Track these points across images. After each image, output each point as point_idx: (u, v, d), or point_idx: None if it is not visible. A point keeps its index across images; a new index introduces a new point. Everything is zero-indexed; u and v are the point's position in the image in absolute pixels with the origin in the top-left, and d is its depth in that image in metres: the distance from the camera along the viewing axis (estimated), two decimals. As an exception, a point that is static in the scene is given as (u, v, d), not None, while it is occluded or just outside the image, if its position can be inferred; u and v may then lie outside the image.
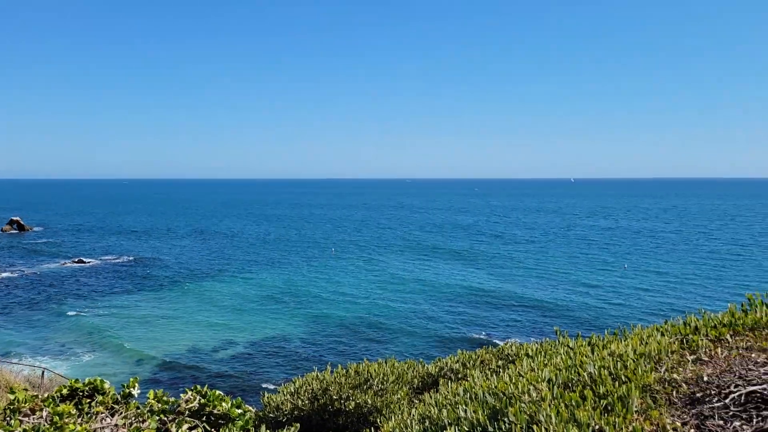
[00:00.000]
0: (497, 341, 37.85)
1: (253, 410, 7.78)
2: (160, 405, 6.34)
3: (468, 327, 48.58)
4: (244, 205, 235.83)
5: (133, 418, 5.98)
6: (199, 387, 6.77)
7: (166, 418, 6.17)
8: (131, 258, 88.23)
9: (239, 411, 6.64)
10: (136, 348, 44.04)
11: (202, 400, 6.48)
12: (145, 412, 6.20)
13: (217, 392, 6.73)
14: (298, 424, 6.13)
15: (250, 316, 52.68)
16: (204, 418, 6.42)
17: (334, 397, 7.51)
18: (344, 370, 8.14)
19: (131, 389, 6.62)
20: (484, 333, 46.50)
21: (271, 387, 31.51)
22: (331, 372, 8.21)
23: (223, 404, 6.56)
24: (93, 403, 6.06)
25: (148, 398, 6.47)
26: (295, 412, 7.57)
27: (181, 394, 6.62)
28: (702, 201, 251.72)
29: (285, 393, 7.94)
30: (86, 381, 6.39)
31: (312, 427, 7.44)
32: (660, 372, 4.49)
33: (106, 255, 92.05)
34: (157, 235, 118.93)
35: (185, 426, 6.05)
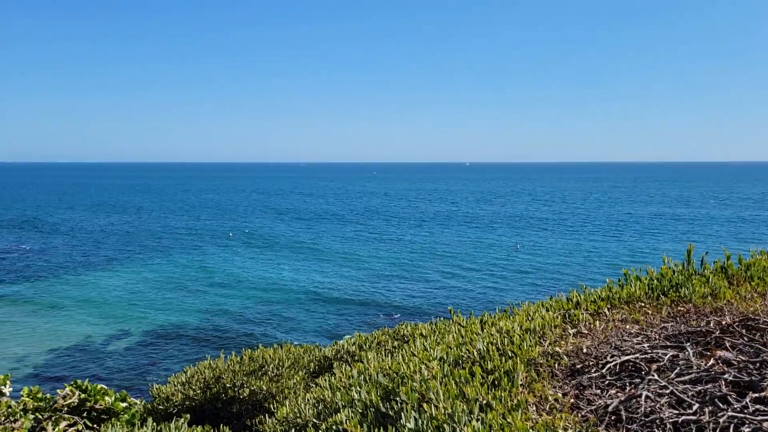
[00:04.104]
0: (395, 323, 38.59)
1: (141, 403, 7.42)
2: (35, 402, 5.90)
3: (366, 310, 49.10)
4: (120, 191, 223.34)
5: (4, 418, 5.53)
6: (79, 382, 6.37)
7: (41, 416, 5.75)
8: (13, 247, 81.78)
9: (124, 405, 6.31)
10: (17, 343, 41.00)
11: (82, 395, 6.10)
12: (18, 410, 5.75)
13: (99, 386, 6.36)
14: (188, 415, 5.90)
15: (142, 307, 50.42)
16: (84, 414, 6.05)
17: (228, 385, 7.31)
18: (238, 357, 7.95)
19: (2, 387, 6.12)
20: (382, 315, 47.17)
21: (165, 378, 30.39)
22: (225, 359, 7.98)
23: (106, 398, 6.21)
24: (-46, 405, 5.54)
25: (22, 396, 6.02)
26: (187, 403, 7.31)
27: (59, 390, 6.20)
28: (582, 184, 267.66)
29: (176, 383, 7.64)
30: (-53, 381, 5.83)
31: (205, 416, 7.21)
32: (544, 346, 4.68)
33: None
34: (47, 223, 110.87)
35: (63, 423, 5.67)
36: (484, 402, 3.99)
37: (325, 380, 6.03)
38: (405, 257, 72.47)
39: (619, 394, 3.75)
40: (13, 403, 6.06)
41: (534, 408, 3.82)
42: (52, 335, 42.74)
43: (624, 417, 3.48)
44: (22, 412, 5.73)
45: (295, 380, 7.47)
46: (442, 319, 8.37)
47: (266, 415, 6.44)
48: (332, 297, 52.79)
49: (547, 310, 5.71)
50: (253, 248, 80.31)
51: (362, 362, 6.38)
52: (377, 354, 7.24)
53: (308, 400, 5.69)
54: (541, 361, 4.42)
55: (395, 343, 7.84)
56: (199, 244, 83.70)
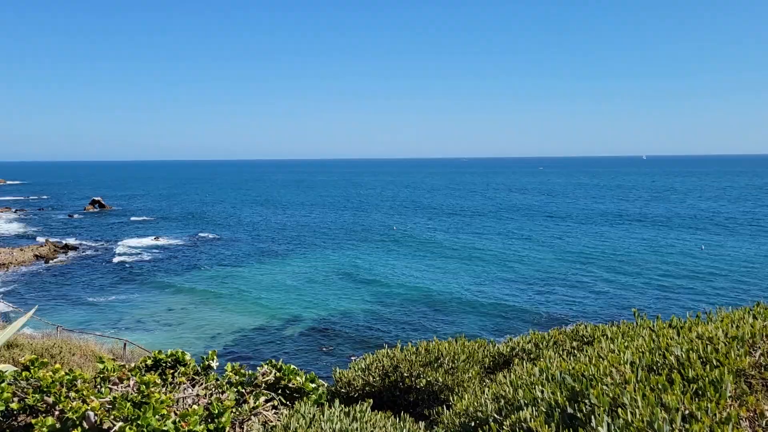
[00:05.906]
0: (567, 322, 37.29)
1: (325, 385, 7.91)
2: (237, 377, 6.53)
3: (536, 307, 47.93)
4: (298, 187, 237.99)
5: (213, 389, 6.18)
6: (274, 361, 6.93)
7: (244, 390, 6.35)
8: (204, 237, 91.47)
9: (313, 385, 6.77)
10: (208, 323, 45.77)
11: (278, 374, 6.63)
12: (224, 383, 6.39)
13: (292, 366, 6.87)
14: (371, 400, 6.18)
15: (316, 294, 53.73)
16: (279, 391, 6.57)
17: (405, 374, 7.53)
18: (414, 348, 8.14)
19: (210, 362, 6.83)
20: (552, 313, 45.78)
21: (340, 363, 31.98)
22: (402, 349, 8.22)
23: (298, 378, 6.70)
24: (176, 374, 6.30)
25: (226, 371, 6.67)
26: (366, 388, 7.64)
27: (258, 368, 6.79)
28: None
29: (356, 369, 8.01)
30: (168, 353, 6.63)
31: (383, 403, 7.50)
32: (755, 357, 4.26)
33: (180, 234, 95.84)
34: (225, 217, 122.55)
35: (262, 398, 6.21)
36: (687, 412, 3.73)
37: (505, 377, 6.00)
38: (567, 258, 69.59)
39: None
40: (218, 376, 6.76)
41: (747, 423, 3.50)
42: (233, 320, 47.01)
43: None
44: (227, 385, 6.38)
45: (470, 374, 7.51)
46: (624, 321, 7.95)
47: (443, 406, 6.55)
48: (492, 300, 51.91)
49: (755, 318, 5.18)
50: (411, 247, 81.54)
51: (542, 361, 6.26)
52: (556, 354, 7.04)
53: (487, 394, 5.69)
54: (753, 373, 4.03)
55: (574, 344, 7.57)
56: (358, 242, 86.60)
